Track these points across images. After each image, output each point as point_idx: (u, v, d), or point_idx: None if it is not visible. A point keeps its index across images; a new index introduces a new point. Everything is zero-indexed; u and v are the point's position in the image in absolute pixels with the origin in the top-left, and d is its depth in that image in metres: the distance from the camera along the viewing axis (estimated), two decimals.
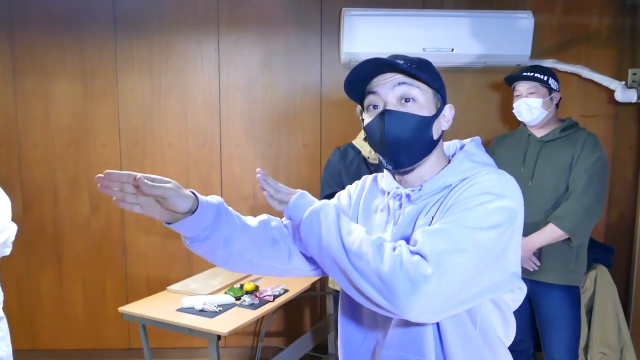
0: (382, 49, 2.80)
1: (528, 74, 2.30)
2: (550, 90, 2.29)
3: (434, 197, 1.06)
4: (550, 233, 2.19)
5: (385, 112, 1.04)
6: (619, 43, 3.09)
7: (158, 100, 3.17)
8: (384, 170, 1.18)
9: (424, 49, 2.84)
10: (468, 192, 0.99)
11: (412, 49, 2.81)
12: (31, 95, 3.15)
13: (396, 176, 1.14)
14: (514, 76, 2.35)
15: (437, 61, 2.89)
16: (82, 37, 3.10)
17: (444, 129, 1.10)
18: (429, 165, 1.09)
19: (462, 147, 1.15)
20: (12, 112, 3.15)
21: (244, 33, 3.13)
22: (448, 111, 1.11)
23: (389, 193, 1.13)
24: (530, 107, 2.29)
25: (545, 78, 2.28)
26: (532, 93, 2.28)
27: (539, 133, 2.36)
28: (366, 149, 2.36)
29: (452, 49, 2.87)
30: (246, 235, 1.08)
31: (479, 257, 0.92)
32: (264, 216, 1.16)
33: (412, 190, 1.08)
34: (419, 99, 1.04)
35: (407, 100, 1.04)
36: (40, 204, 3.22)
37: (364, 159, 2.35)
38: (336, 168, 2.38)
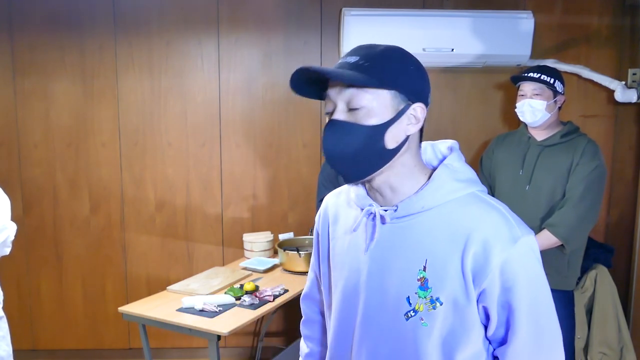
0: None
1: (534, 74, 2.28)
2: (556, 93, 2.29)
3: (413, 220, 0.96)
4: (545, 240, 2.19)
5: (328, 123, 0.93)
6: (619, 43, 3.09)
7: (158, 100, 3.17)
8: None
9: (424, 49, 2.84)
10: (523, 284, 0.91)
11: (412, 49, 2.76)
12: (31, 95, 3.15)
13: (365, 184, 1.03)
14: (520, 76, 2.34)
15: (437, 61, 2.93)
16: (82, 37, 3.10)
17: (409, 132, 0.95)
18: (397, 176, 0.97)
19: (443, 159, 1.02)
20: (12, 112, 3.15)
21: (244, 33, 3.13)
22: (419, 111, 0.95)
23: (361, 209, 1.03)
24: (534, 109, 2.28)
25: (552, 81, 2.27)
26: (537, 94, 2.27)
27: (539, 136, 2.36)
28: None
29: (452, 49, 2.87)
30: None
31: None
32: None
33: (386, 210, 0.98)
34: (368, 105, 0.90)
35: (353, 108, 0.91)
36: (40, 204, 3.22)
37: None
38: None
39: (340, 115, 0.93)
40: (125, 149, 3.20)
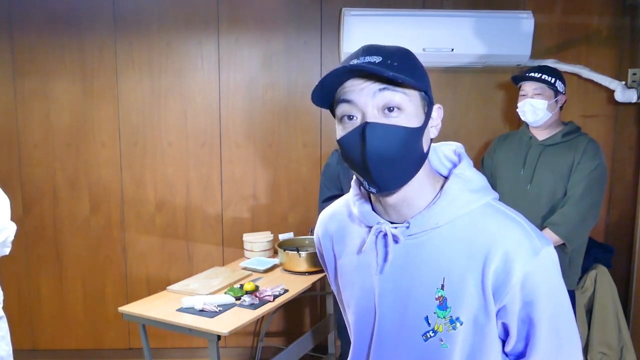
0: None
1: (535, 74, 2.30)
2: (557, 92, 2.30)
3: (426, 236, 0.91)
4: None
5: (366, 126, 0.83)
6: (619, 43, 3.09)
7: (158, 100, 3.17)
8: (354, 189, 1.01)
9: (424, 49, 2.84)
10: (544, 300, 0.87)
11: (412, 49, 2.77)
12: (31, 95, 3.15)
13: (371, 196, 0.96)
14: (521, 76, 2.36)
15: (437, 61, 2.93)
16: (82, 37, 3.10)
17: (432, 136, 0.91)
18: (416, 184, 0.90)
19: (453, 166, 0.96)
20: (12, 112, 3.15)
21: (244, 33, 3.13)
22: (436, 113, 0.91)
23: (369, 227, 0.96)
24: (535, 108, 2.29)
25: (553, 80, 2.28)
26: (538, 94, 2.29)
27: (540, 135, 2.37)
28: None
29: (452, 49, 2.87)
30: None
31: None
32: None
33: (396, 227, 0.92)
34: (405, 107, 0.84)
35: (390, 109, 0.84)
36: (40, 204, 3.22)
37: None
38: (334, 171, 2.38)
39: (377, 119, 0.84)
40: (125, 149, 3.20)
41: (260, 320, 3.28)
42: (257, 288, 2.44)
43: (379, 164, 0.85)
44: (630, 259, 3.16)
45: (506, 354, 0.95)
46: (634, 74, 3.04)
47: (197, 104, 3.18)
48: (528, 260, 0.85)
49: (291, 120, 3.20)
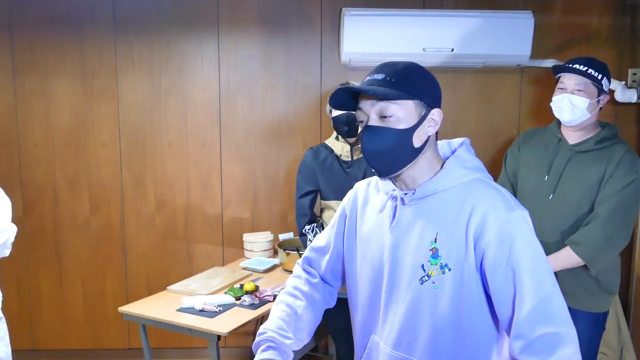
0: (382, 49, 2.80)
1: (581, 67, 1.95)
2: (600, 91, 1.98)
3: (427, 202, 1.16)
4: (566, 259, 1.94)
5: (365, 128, 1.12)
6: (619, 43, 3.09)
7: (158, 100, 3.17)
8: None
9: (424, 49, 2.84)
10: (520, 255, 1.07)
11: (412, 49, 2.80)
12: (31, 95, 3.14)
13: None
14: (564, 66, 2.01)
15: (437, 61, 2.93)
16: (82, 37, 3.10)
17: (430, 133, 1.14)
18: (419, 169, 1.16)
19: (454, 151, 1.21)
20: (12, 112, 3.15)
21: (244, 33, 3.13)
22: (436, 115, 1.14)
23: (387, 193, 1.22)
24: (574, 107, 1.96)
25: (600, 76, 1.95)
26: (579, 90, 1.96)
27: (572, 138, 2.06)
28: (338, 147, 2.51)
29: (452, 49, 2.87)
30: (304, 328, 1.37)
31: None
32: (297, 286, 1.38)
33: (406, 194, 1.17)
34: (396, 114, 1.10)
35: (384, 116, 1.10)
36: (40, 204, 3.22)
37: (337, 157, 2.51)
38: (310, 166, 2.54)
39: (375, 122, 1.11)
40: (125, 149, 3.20)
41: (260, 320, 3.27)
42: (257, 288, 2.44)
43: (374, 156, 1.13)
44: (630, 259, 3.16)
45: (500, 324, 1.13)
46: (634, 74, 3.04)
47: (197, 104, 3.18)
48: (500, 215, 1.09)
49: (291, 120, 3.20)
